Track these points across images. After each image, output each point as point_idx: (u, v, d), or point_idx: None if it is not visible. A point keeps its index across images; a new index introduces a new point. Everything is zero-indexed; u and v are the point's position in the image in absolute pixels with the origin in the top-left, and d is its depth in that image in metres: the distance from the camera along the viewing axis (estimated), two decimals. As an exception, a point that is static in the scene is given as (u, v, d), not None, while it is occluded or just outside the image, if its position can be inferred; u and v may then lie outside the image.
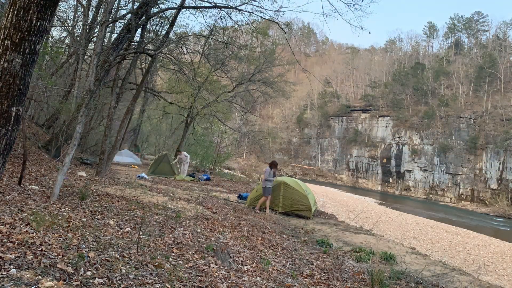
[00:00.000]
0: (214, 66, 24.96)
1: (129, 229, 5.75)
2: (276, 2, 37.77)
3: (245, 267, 5.38)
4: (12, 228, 4.36)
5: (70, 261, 3.71)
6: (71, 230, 4.86)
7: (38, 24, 3.73)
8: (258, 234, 8.01)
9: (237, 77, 28.84)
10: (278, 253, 6.82)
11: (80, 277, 3.42)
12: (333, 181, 77.54)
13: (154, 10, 15.05)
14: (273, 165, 12.54)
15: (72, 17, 21.52)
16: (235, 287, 4.43)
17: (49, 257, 3.69)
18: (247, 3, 14.05)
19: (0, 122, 3.65)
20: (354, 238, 10.21)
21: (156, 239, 5.51)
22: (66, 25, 20.77)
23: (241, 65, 29.62)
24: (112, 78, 16.90)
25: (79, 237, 4.61)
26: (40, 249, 3.84)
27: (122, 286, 3.50)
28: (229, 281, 4.52)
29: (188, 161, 21.81)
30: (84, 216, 6.01)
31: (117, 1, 16.34)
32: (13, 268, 3.26)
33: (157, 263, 4.31)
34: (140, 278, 3.79)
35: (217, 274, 4.63)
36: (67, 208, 6.35)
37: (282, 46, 40.20)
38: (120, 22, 17.12)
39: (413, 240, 18.16)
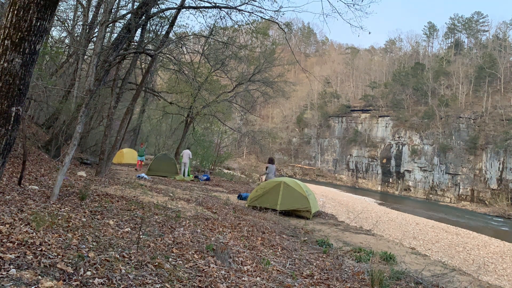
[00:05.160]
0: (214, 66, 24.95)
1: (129, 229, 5.75)
2: (276, 2, 37.74)
3: (245, 267, 5.37)
4: (12, 228, 4.36)
5: (70, 261, 3.71)
6: (71, 230, 4.86)
7: (38, 24, 3.73)
8: (258, 234, 8.01)
9: (237, 77, 28.82)
10: (278, 253, 6.81)
11: (80, 277, 3.42)
12: (333, 181, 77.52)
13: (154, 10, 15.05)
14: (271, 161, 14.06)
15: (72, 17, 21.53)
16: (235, 287, 4.43)
17: (49, 257, 3.69)
18: (247, 3, 14.06)
19: (0, 122, 3.65)
20: (354, 238, 10.22)
21: (156, 239, 5.51)
22: (66, 25, 20.76)
23: (241, 65, 29.57)
24: (112, 78, 16.90)
25: (79, 237, 4.61)
26: (40, 249, 3.84)
27: (122, 286, 3.50)
28: (229, 281, 4.52)
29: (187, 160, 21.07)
30: (84, 216, 6.01)
31: (117, 1, 16.34)
32: (13, 268, 3.26)
33: (157, 263, 4.31)
34: (140, 278, 3.79)
35: (217, 274, 4.63)
36: (67, 208, 6.35)
37: (282, 46, 40.18)
38: (120, 22, 17.11)
39: (413, 240, 18.15)
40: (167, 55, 18.28)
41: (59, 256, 3.76)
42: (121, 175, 16.77)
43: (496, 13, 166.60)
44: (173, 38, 18.22)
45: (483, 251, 18.74)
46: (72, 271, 3.49)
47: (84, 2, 20.03)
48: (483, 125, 61.83)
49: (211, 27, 19.23)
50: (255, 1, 29.77)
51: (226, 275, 4.69)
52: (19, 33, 3.65)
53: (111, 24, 17.07)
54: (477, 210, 53.15)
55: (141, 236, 5.16)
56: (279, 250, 7.06)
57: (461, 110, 65.74)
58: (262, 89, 30.24)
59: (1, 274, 3.11)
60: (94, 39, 19.34)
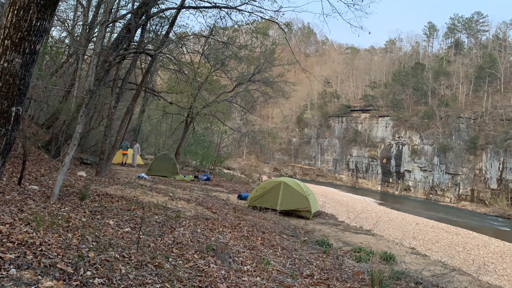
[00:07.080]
0: (214, 66, 24.94)
1: (129, 229, 5.75)
2: (276, 2, 37.75)
3: (245, 267, 5.37)
4: (12, 228, 4.36)
5: (70, 261, 3.71)
6: (71, 230, 4.86)
7: (38, 24, 3.73)
8: (258, 234, 8.01)
9: (237, 77, 28.80)
10: (278, 253, 6.81)
11: (80, 277, 3.42)
12: (333, 181, 77.49)
13: (154, 10, 15.06)
14: None
15: (72, 17, 21.52)
16: (235, 287, 4.43)
17: (49, 257, 3.69)
18: (247, 3, 14.07)
19: (0, 122, 3.65)
20: (354, 238, 10.22)
21: (156, 239, 5.51)
22: (66, 25, 20.75)
23: (241, 65, 29.52)
24: (112, 78, 16.89)
25: (79, 237, 4.60)
26: (40, 249, 3.84)
27: (122, 286, 3.50)
28: (229, 281, 4.52)
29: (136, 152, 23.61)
30: (84, 216, 6.01)
31: (117, 1, 16.33)
32: (13, 268, 3.26)
33: (157, 263, 4.31)
34: (140, 278, 3.79)
35: (217, 274, 4.63)
36: (67, 208, 6.35)
37: (282, 46, 40.10)
38: (120, 22, 17.11)
39: (413, 240, 18.15)
40: (167, 55, 18.27)
41: (59, 256, 3.76)
42: (121, 175, 16.77)
43: (496, 13, 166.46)
44: (173, 38, 18.21)
45: (483, 251, 18.74)
46: (72, 271, 3.49)
47: (84, 2, 20.02)
48: (483, 125, 61.81)
49: (211, 27, 19.25)
50: (255, 1, 29.71)
51: (226, 275, 4.69)
52: (19, 33, 3.65)
53: (111, 24, 17.06)
54: (477, 210, 53.11)
55: (141, 236, 5.16)
56: (279, 250, 7.06)
57: (461, 110, 65.70)
58: (262, 89, 30.22)
59: (1, 274, 3.11)
60: (94, 39, 19.34)
